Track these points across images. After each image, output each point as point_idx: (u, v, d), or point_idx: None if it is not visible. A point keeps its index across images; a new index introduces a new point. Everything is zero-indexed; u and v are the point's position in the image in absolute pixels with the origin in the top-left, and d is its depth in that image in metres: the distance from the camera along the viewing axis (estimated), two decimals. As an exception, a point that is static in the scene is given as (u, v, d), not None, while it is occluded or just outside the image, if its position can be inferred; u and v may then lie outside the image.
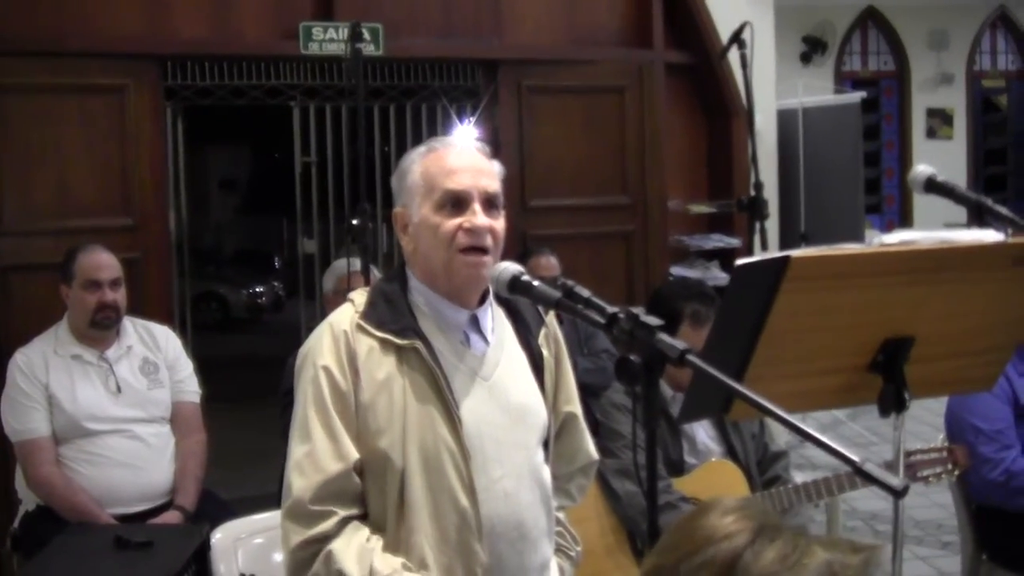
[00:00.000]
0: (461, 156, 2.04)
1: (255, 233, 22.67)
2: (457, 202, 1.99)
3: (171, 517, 3.54)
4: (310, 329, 6.85)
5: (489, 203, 2.02)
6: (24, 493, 3.66)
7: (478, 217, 1.98)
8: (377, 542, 1.96)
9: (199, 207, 20.10)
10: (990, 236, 1.96)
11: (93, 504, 3.48)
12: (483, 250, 1.98)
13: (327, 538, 1.94)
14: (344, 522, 1.97)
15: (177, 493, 3.64)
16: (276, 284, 18.19)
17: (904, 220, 10.39)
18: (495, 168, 2.09)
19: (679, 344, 1.59)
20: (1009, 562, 3.30)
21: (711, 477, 3.09)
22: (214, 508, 3.67)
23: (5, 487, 4.17)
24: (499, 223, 2.03)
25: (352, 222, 3.75)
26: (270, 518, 2.76)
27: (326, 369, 1.98)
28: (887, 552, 1.79)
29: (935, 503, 5.27)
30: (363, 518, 2.00)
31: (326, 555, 1.93)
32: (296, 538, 1.95)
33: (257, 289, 17.40)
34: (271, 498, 4.17)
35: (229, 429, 4.19)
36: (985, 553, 3.40)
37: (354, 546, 1.93)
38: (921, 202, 10.21)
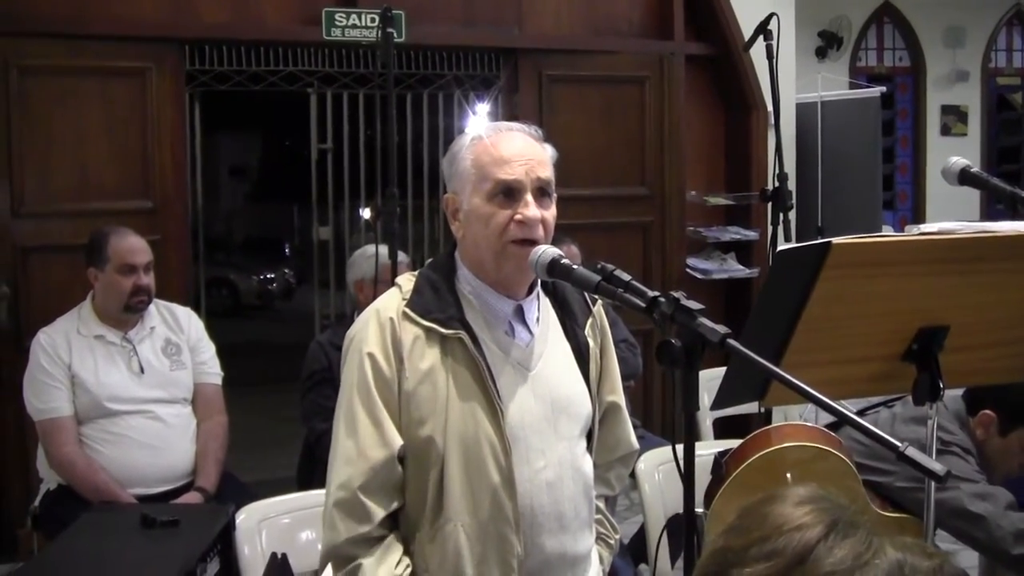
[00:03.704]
0: (513, 143, 2.02)
1: (265, 220, 22.72)
2: (509, 192, 1.97)
3: (192, 498, 3.55)
4: (324, 316, 6.77)
5: (541, 191, 2.00)
6: (45, 472, 3.67)
7: (530, 209, 1.97)
8: (406, 569, 1.97)
9: (209, 193, 20.14)
10: (1027, 227, 1.97)
11: (114, 484, 3.49)
12: (534, 242, 1.96)
13: (368, 542, 1.95)
14: (384, 530, 1.97)
15: (198, 475, 3.65)
16: (286, 271, 18.22)
17: (917, 216, 10.36)
18: (547, 153, 2.06)
19: (720, 328, 1.60)
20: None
21: None
22: (234, 490, 3.69)
23: (26, 466, 4.19)
24: (551, 212, 2.02)
25: (377, 205, 3.73)
26: (294, 499, 2.78)
27: (371, 356, 1.98)
28: (959, 562, 1.80)
29: (948, 498, 5.25)
30: (402, 509, 2.02)
31: (355, 568, 1.95)
32: (343, 533, 1.95)
33: (267, 276, 17.44)
34: (282, 482, 4.20)
35: (239, 414, 4.21)
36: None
37: (384, 570, 1.94)
38: (934, 199, 10.17)
